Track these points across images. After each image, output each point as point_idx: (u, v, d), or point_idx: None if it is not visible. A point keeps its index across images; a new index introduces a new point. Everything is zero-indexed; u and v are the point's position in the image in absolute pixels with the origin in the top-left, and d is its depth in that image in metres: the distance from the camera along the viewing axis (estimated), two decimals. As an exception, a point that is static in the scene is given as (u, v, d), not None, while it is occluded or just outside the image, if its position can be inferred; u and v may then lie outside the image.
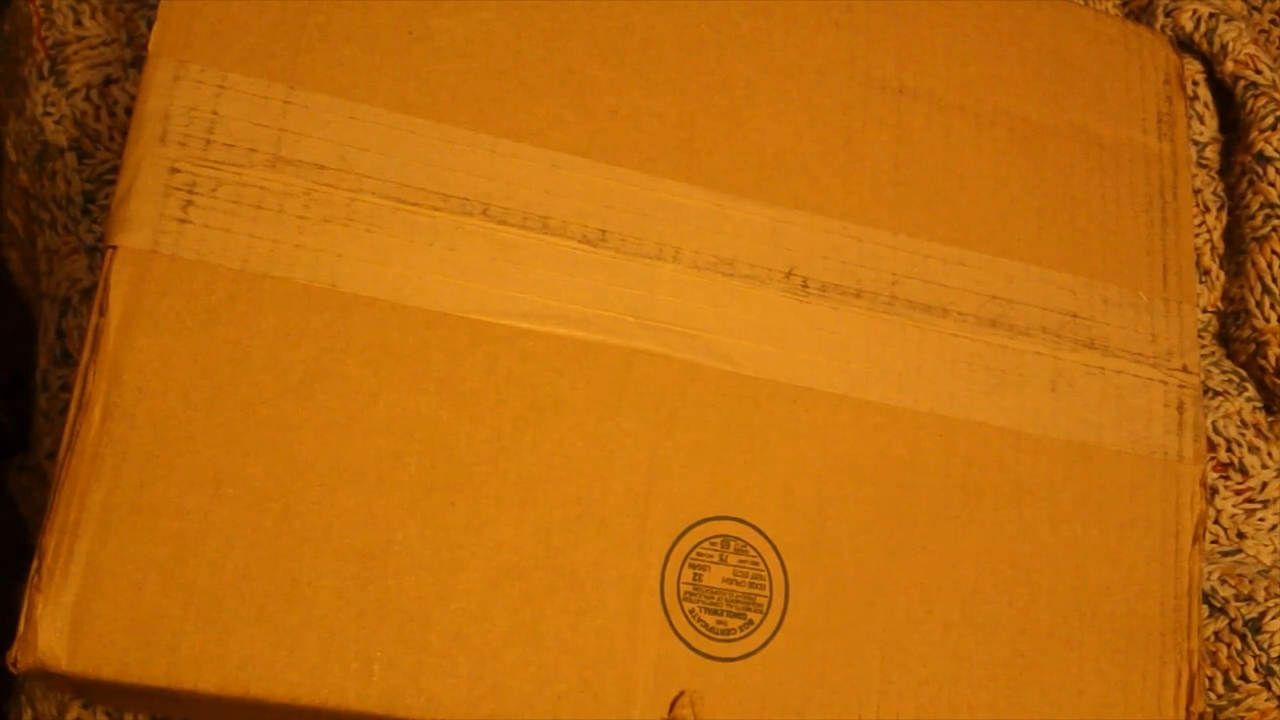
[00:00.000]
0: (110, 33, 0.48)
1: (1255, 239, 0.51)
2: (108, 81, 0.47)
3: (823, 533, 0.37)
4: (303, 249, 0.35)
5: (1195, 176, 0.52)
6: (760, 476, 0.37)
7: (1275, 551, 0.48)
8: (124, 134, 0.44)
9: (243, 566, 0.32)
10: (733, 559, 0.36)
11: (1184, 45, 0.53)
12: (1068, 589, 0.39)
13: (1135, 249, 0.43)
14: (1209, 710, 0.45)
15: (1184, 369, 0.42)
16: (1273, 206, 0.51)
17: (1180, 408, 0.42)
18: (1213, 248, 0.52)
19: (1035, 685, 0.38)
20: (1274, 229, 0.50)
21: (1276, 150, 0.51)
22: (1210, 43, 0.53)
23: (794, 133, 0.40)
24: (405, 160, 0.37)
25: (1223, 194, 0.53)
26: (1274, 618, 0.45)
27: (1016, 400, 0.40)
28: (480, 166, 0.37)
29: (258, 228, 0.35)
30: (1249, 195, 0.51)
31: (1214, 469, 0.48)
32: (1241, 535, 0.48)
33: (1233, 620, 0.45)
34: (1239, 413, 0.49)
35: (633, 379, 0.37)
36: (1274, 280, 0.50)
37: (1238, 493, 0.48)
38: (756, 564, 0.36)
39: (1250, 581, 0.46)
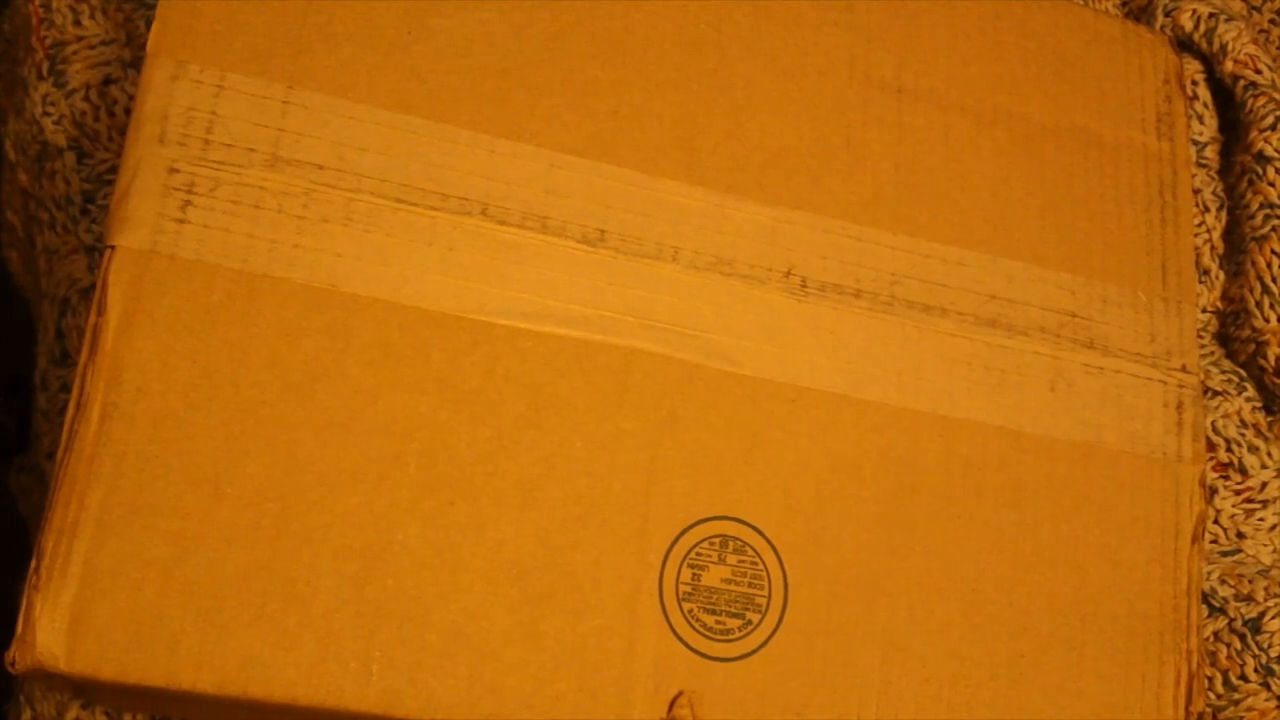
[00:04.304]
0: (109, 33, 0.48)
1: (1255, 239, 0.51)
2: (107, 81, 0.47)
3: (822, 532, 0.37)
4: (302, 249, 0.35)
5: (1195, 176, 0.52)
6: (760, 476, 0.37)
7: (1275, 551, 0.48)
8: (123, 134, 0.44)
9: (242, 566, 0.32)
10: (731, 559, 0.36)
11: (1184, 45, 0.53)
12: (1068, 589, 0.39)
13: (1135, 249, 0.43)
14: (1208, 710, 0.45)
15: (1183, 369, 0.42)
16: (1272, 206, 0.51)
17: (1180, 407, 0.42)
18: (1212, 248, 0.52)
19: (1035, 685, 0.38)
20: (1274, 229, 0.50)
21: (1276, 150, 0.51)
22: (1210, 42, 0.53)
23: (794, 133, 0.40)
24: (405, 160, 0.37)
25: (1222, 194, 0.53)
26: (1273, 617, 0.45)
27: (1016, 400, 0.40)
28: (480, 166, 0.37)
29: (257, 227, 0.35)
30: (1249, 195, 0.51)
31: (1213, 469, 0.48)
32: (1241, 535, 0.48)
33: (1232, 620, 0.45)
34: (1238, 413, 0.49)
35: (633, 379, 0.37)
36: (1273, 280, 0.50)
37: (1237, 493, 0.48)
38: (755, 564, 0.36)
39: (1250, 581, 0.46)
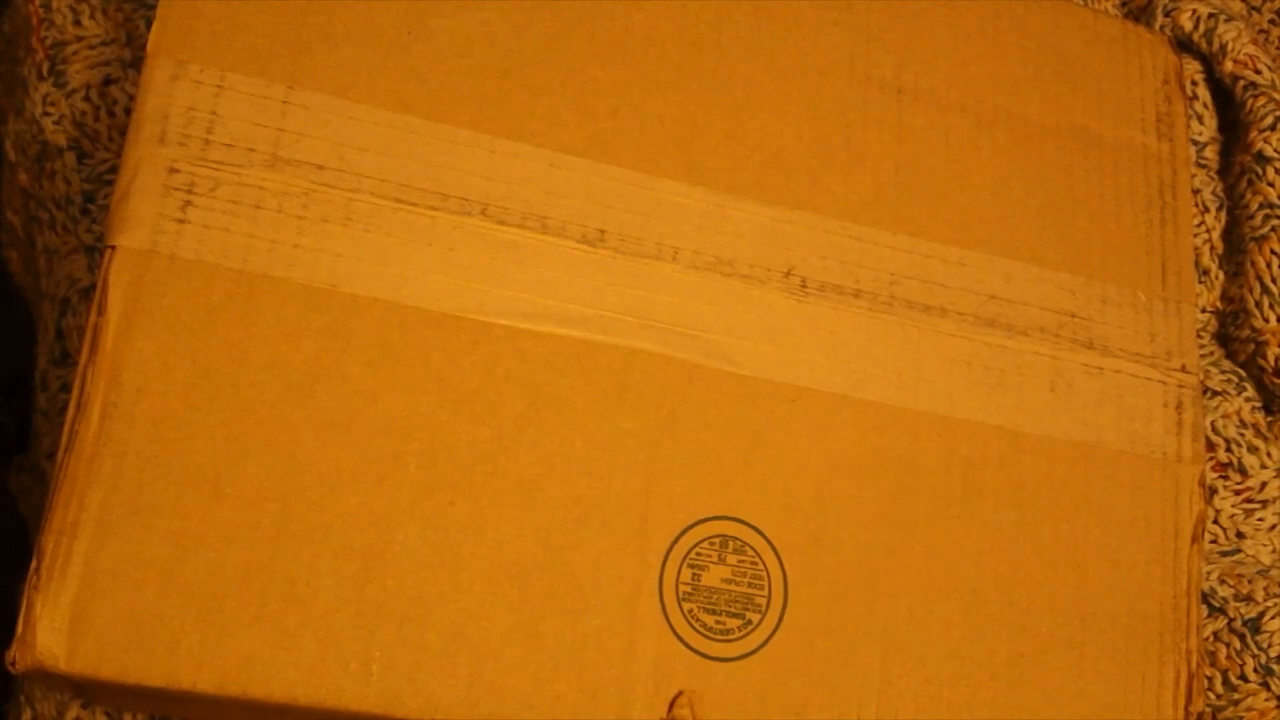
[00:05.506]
0: (109, 33, 0.48)
1: (1254, 239, 0.51)
2: (107, 81, 0.47)
3: (822, 532, 0.37)
4: (301, 249, 0.35)
5: (1194, 176, 0.52)
6: (760, 476, 0.37)
7: (1274, 551, 0.48)
8: (123, 134, 0.44)
9: (242, 566, 0.32)
10: (731, 559, 0.36)
11: (1183, 45, 0.53)
12: (1068, 589, 0.39)
13: (1134, 249, 0.43)
14: (1208, 710, 0.45)
15: (1183, 369, 0.42)
16: (1272, 206, 0.51)
17: (1179, 407, 0.42)
18: (1212, 248, 0.52)
19: (1035, 685, 0.38)
20: (1273, 229, 0.50)
21: (1276, 150, 0.51)
22: (1209, 43, 0.53)
23: (794, 133, 0.40)
24: (405, 160, 0.37)
25: (1222, 194, 0.53)
26: (1273, 617, 0.45)
27: (1016, 400, 0.40)
28: (480, 166, 0.37)
29: (256, 227, 0.35)
30: (1248, 195, 0.51)
31: (1213, 469, 0.48)
32: (1240, 535, 0.48)
33: (1232, 620, 0.45)
34: (1238, 413, 0.49)
35: (633, 379, 0.37)
36: (1273, 280, 0.50)
37: (1237, 493, 0.48)
38: (755, 564, 0.36)
39: (1249, 581, 0.46)
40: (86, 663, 0.31)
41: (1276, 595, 0.45)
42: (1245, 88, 0.52)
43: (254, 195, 0.35)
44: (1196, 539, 0.41)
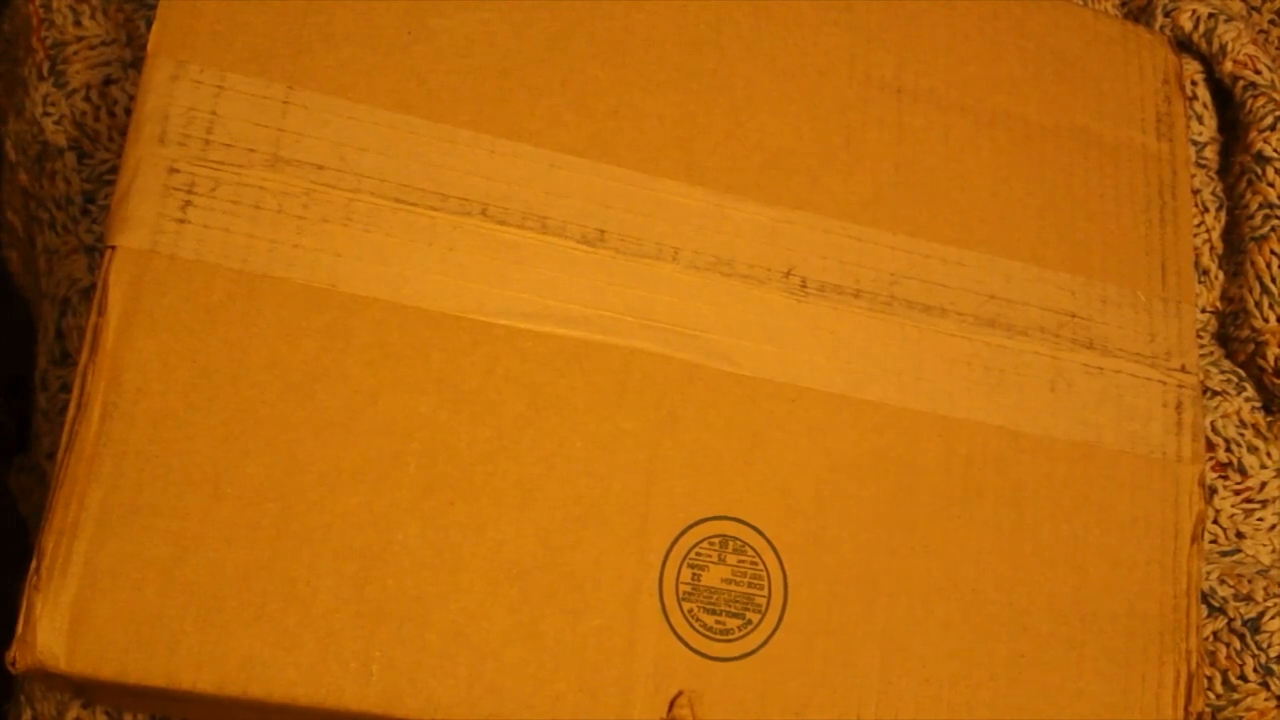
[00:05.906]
0: (110, 33, 0.48)
1: (1254, 239, 0.51)
2: (107, 82, 0.47)
3: (822, 532, 0.37)
4: (301, 249, 0.35)
5: (1194, 176, 0.52)
6: (760, 476, 0.37)
7: (1274, 551, 0.48)
8: (123, 134, 0.44)
9: (242, 566, 0.32)
10: (731, 559, 0.36)
11: (1183, 45, 0.53)
12: (1068, 589, 0.39)
13: (1134, 249, 0.43)
14: (1208, 710, 0.45)
15: (1183, 369, 0.42)
16: (1271, 206, 0.51)
17: (1179, 407, 0.42)
18: (1211, 248, 0.52)
19: (1035, 685, 0.38)
20: (1273, 229, 0.50)
21: (1275, 150, 0.51)
22: (1209, 43, 0.53)
23: (794, 133, 0.40)
24: (405, 160, 0.37)
25: (1221, 194, 0.53)
26: (1273, 617, 0.45)
27: (1016, 400, 0.40)
28: (480, 166, 0.37)
29: (257, 227, 0.35)
30: (1248, 195, 0.52)
31: (1213, 469, 0.48)
32: (1240, 535, 0.48)
33: (1231, 620, 0.45)
34: (1238, 413, 0.49)
35: (633, 379, 0.37)
36: (1272, 280, 0.50)
37: (1236, 493, 0.48)
38: (755, 564, 0.36)
39: (1249, 581, 0.46)
40: (86, 663, 0.31)
41: (1276, 595, 0.45)
42: (1245, 88, 0.52)
43: (254, 195, 0.35)
44: (1196, 539, 0.41)
